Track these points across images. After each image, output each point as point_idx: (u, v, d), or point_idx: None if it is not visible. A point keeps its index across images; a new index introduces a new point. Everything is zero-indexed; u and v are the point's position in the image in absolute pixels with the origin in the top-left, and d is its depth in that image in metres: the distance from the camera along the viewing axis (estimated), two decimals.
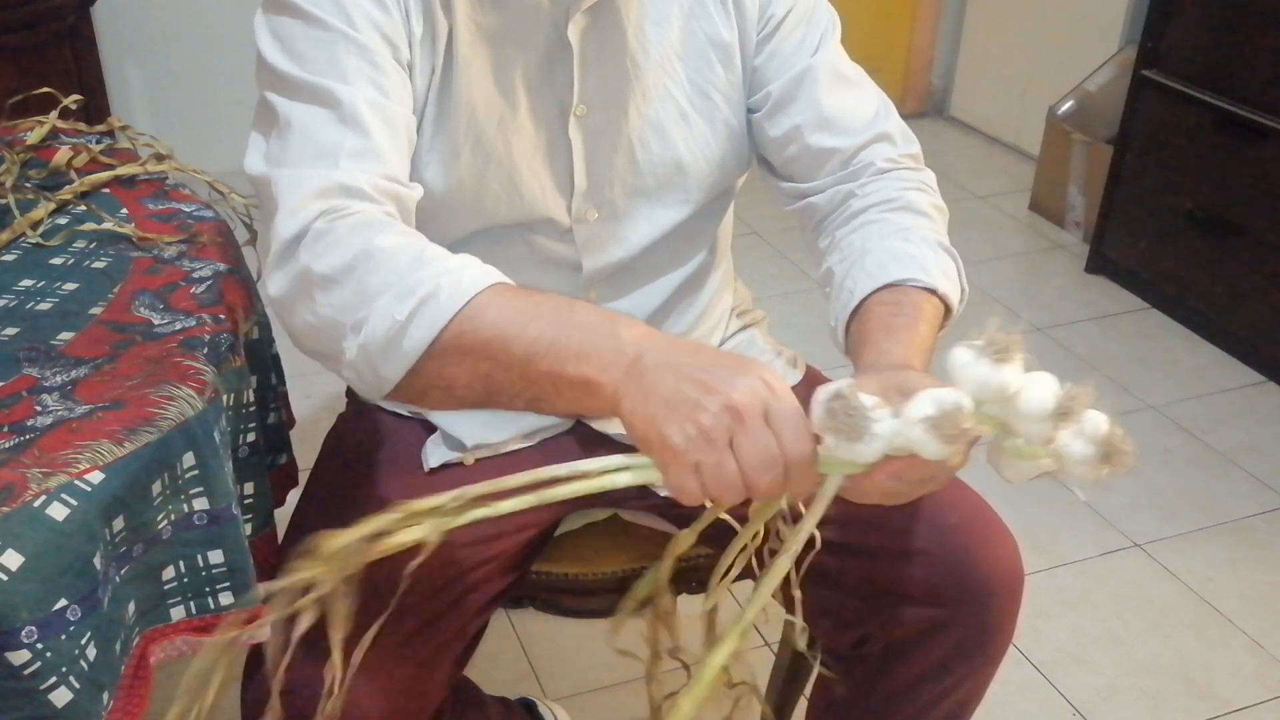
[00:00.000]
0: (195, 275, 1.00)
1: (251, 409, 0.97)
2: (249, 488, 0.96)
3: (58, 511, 0.72)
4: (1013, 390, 0.68)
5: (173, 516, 0.82)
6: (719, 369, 0.70)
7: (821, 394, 0.69)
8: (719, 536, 0.81)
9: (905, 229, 0.96)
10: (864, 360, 0.86)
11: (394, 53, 0.89)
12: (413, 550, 0.97)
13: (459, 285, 0.75)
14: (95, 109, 2.31)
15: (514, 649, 1.66)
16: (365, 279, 0.77)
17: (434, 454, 1.04)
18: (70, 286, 0.98)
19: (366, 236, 0.78)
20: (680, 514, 1.03)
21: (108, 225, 1.07)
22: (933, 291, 0.92)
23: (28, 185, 1.13)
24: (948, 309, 0.94)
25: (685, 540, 0.82)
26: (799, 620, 0.82)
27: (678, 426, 0.68)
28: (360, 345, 0.77)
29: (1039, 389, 0.68)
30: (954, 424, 0.67)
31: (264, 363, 1.05)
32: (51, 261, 1.03)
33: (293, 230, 0.80)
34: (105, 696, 0.77)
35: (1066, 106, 2.95)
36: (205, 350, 0.88)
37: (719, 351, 0.76)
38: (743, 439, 0.68)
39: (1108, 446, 0.68)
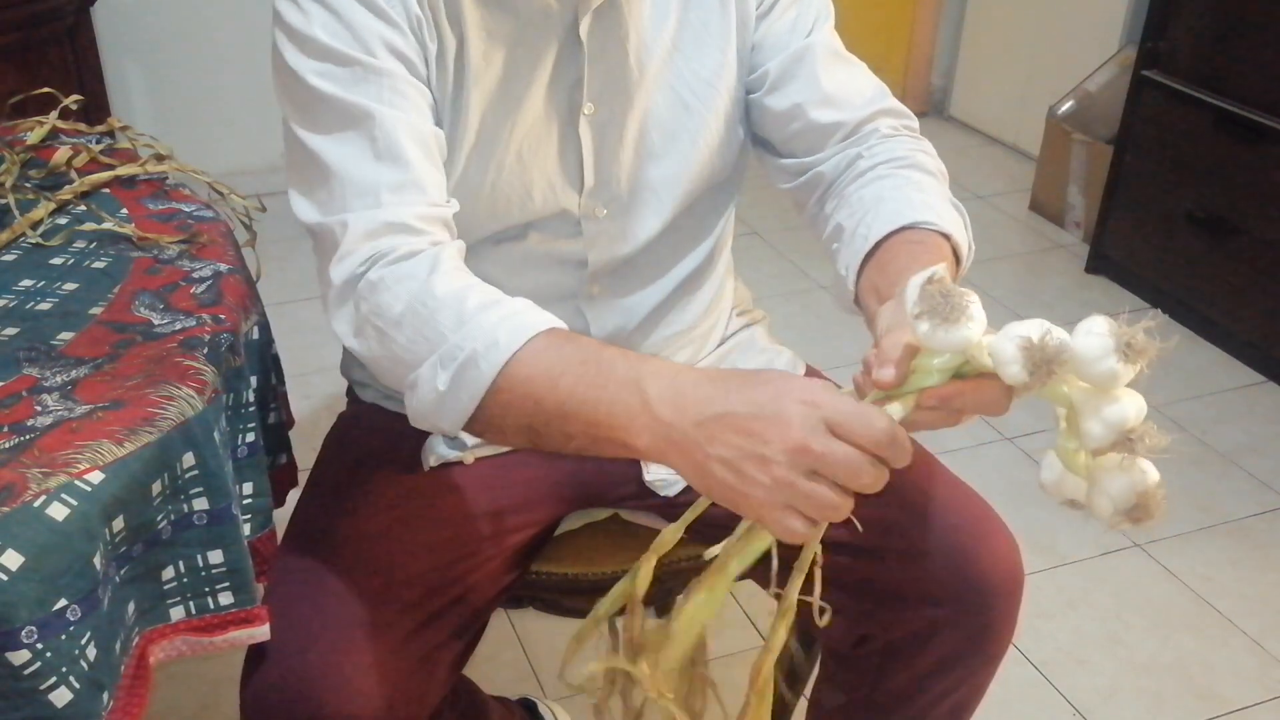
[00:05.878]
0: (195, 275, 1.00)
1: (251, 409, 0.97)
2: (249, 488, 0.96)
3: (58, 511, 0.72)
4: (1114, 387, 0.67)
5: (173, 516, 0.82)
6: (759, 409, 0.70)
7: (916, 279, 0.68)
8: (714, 536, 0.82)
9: (918, 183, 0.96)
10: (897, 292, 0.80)
11: (411, 70, 0.90)
12: (412, 550, 0.98)
13: (495, 347, 0.78)
14: (95, 109, 2.30)
15: (514, 649, 1.66)
16: (414, 336, 0.82)
17: (433, 453, 1.04)
18: (70, 286, 0.98)
19: (413, 288, 0.82)
20: (680, 515, 1.03)
21: (108, 225, 1.07)
22: (947, 239, 0.91)
23: (28, 185, 1.13)
24: (957, 262, 0.93)
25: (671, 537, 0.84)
26: (816, 598, 0.81)
27: (755, 484, 0.70)
28: (413, 409, 0.83)
29: (1132, 407, 0.67)
30: (1046, 357, 0.66)
31: (264, 363, 1.05)
32: (51, 261, 1.02)
33: (345, 274, 0.85)
34: (105, 696, 0.77)
35: (1066, 106, 2.95)
36: (205, 350, 0.88)
37: (744, 383, 0.74)
38: (824, 467, 0.69)
39: (1142, 500, 0.67)
